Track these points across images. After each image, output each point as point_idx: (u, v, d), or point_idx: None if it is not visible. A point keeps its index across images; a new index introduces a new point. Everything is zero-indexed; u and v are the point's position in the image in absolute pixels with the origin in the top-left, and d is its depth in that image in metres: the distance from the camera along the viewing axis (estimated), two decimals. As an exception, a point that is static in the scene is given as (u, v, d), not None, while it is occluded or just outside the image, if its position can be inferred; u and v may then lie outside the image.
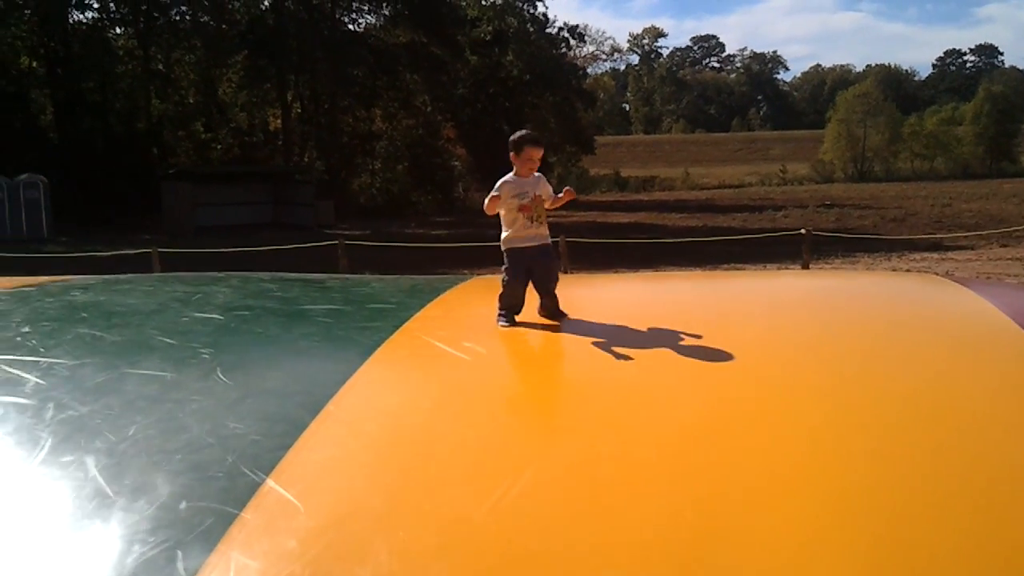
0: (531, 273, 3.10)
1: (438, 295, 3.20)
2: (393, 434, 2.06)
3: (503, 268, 3.10)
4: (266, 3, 49.92)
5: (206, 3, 45.69)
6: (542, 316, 3.08)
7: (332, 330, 2.84)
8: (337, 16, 51.43)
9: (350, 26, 53.35)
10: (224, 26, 46.87)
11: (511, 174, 3.21)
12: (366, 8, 53.45)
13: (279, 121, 50.13)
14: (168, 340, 2.63)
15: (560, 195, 3.31)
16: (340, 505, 1.77)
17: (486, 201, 3.20)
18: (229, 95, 50.15)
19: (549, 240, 3.21)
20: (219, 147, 48.91)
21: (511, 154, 3.21)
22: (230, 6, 47.93)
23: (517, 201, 3.14)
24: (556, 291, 3.06)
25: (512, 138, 3.23)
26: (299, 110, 51.13)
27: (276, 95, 49.41)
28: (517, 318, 3.01)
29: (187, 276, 3.85)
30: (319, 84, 49.35)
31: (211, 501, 1.77)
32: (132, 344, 2.65)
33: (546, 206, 3.19)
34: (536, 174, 3.22)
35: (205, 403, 2.17)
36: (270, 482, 1.81)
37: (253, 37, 46.80)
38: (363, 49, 49.92)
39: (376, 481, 1.86)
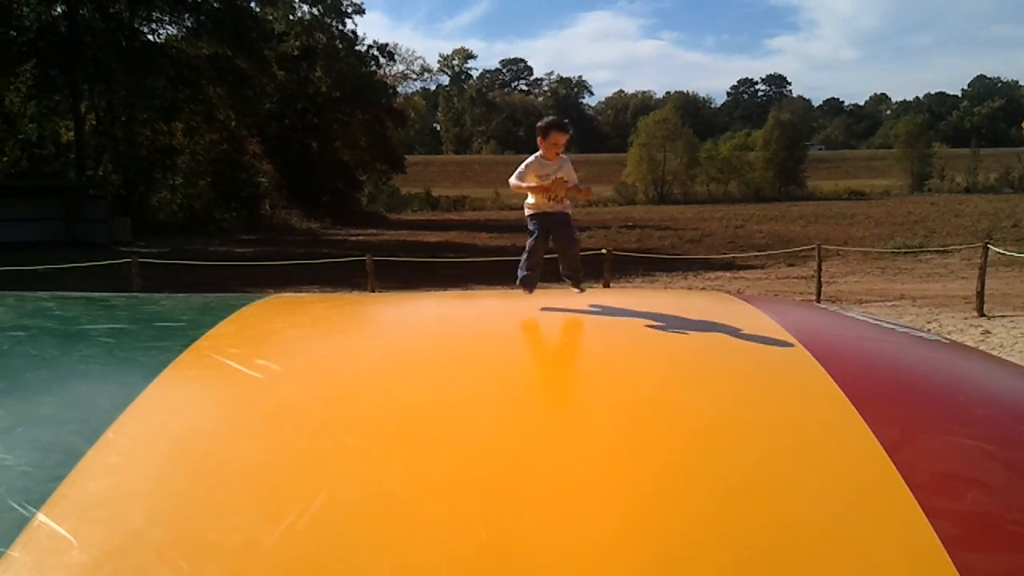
0: (549, 236, 3.51)
1: (232, 312, 3.07)
2: (177, 459, 1.95)
3: (528, 233, 3.51)
4: (59, 9, 47.34)
5: (-10, 8, 42.97)
6: (564, 277, 3.59)
7: (115, 351, 2.67)
8: (136, 25, 49.42)
9: (150, 36, 51.40)
10: (12, 32, 44.13)
11: (537, 154, 3.52)
12: (167, 19, 51.60)
13: (72, 133, 47.56)
14: None
15: (582, 187, 3.61)
16: (117, 538, 1.66)
17: (512, 179, 3.54)
18: (16, 105, 47.19)
19: (569, 211, 3.55)
20: (4, 159, 45.95)
21: (538, 139, 3.52)
22: (18, 11, 45.18)
23: (539, 181, 3.47)
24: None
25: (539, 124, 3.53)
26: (94, 122, 48.72)
27: (68, 106, 46.90)
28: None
29: (-45, 296, 3.55)
30: (115, 95, 47.20)
31: (-28, 540, 1.62)
32: None
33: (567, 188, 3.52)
34: (561, 156, 3.52)
35: None
36: (40, 516, 1.68)
37: (43, 44, 44.33)
38: (163, 60, 48.13)
39: (156, 510, 1.76)
